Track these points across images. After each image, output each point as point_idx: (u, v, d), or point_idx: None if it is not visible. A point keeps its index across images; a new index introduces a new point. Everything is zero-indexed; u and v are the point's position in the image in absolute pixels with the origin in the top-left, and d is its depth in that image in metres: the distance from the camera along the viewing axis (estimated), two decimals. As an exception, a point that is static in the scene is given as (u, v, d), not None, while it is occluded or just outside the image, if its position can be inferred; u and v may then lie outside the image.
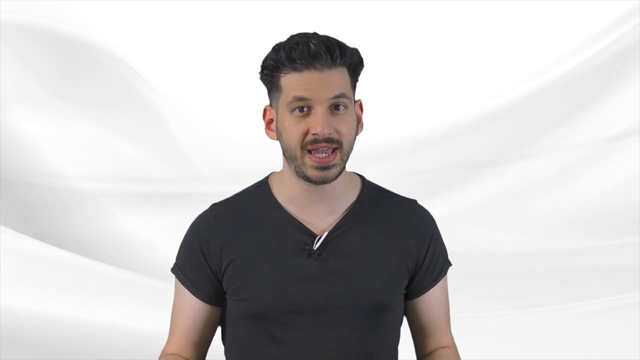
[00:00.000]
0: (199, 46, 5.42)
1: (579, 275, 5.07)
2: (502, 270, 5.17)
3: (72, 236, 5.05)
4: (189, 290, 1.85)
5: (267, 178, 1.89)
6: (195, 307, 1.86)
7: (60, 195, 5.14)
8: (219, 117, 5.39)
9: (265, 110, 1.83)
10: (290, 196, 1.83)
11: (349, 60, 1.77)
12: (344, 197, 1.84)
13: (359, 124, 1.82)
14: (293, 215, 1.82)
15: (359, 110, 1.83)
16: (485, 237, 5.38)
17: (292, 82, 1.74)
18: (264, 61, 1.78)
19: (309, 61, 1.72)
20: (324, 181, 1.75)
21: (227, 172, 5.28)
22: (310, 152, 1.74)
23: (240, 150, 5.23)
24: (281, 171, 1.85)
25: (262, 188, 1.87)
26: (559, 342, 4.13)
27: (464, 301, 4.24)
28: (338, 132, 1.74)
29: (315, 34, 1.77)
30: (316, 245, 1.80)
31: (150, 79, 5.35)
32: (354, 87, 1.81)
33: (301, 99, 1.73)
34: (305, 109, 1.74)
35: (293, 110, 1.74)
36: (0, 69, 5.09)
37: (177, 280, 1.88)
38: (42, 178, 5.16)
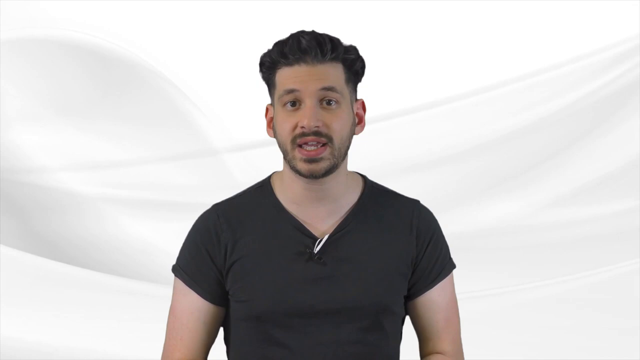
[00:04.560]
0: (234, 54, 5.35)
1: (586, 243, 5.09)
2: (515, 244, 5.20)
3: (72, 241, 5.03)
4: (195, 291, 1.83)
5: (269, 178, 1.88)
6: (203, 308, 1.83)
7: (70, 201, 5.12)
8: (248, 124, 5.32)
9: (267, 109, 1.84)
10: (291, 196, 1.82)
11: (343, 56, 1.77)
12: (345, 198, 1.83)
13: (359, 124, 1.82)
14: (294, 217, 1.81)
15: (360, 110, 1.82)
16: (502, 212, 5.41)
17: (284, 76, 1.75)
18: (261, 59, 1.80)
19: (300, 55, 1.74)
20: (313, 174, 1.74)
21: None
22: (300, 146, 1.74)
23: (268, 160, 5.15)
24: (282, 170, 1.84)
25: (264, 188, 1.86)
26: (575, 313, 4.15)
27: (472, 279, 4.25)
28: (327, 127, 1.74)
29: (312, 30, 1.78)
30: (316, 249, 1.79)
31: (186, 90, 5.30)
32: (352, 84, 1.80)
33: (290, 91, 1.74)
34: (296, 104, 1.75)
35: (285, 104, 1.76)
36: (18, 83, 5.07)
37: (181, 283, 1.84)
38: (48, 181, 5.14)
